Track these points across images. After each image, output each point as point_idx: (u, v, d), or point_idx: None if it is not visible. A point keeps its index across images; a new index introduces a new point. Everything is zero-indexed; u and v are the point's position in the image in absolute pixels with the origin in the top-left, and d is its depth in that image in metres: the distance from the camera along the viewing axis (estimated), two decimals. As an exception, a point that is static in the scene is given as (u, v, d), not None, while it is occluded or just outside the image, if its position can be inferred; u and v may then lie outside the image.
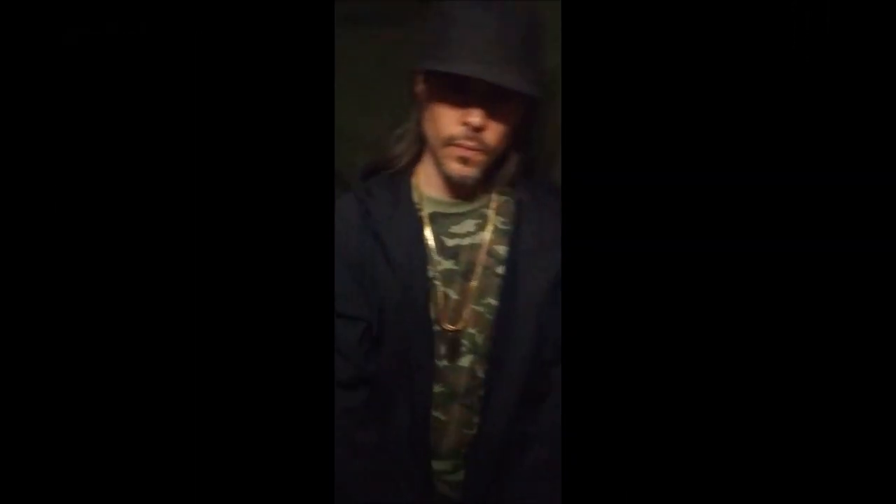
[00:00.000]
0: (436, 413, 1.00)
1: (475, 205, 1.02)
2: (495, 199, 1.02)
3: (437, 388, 0.99)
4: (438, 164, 0.99)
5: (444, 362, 0.99)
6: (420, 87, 0.98)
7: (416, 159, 1.04)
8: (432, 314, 0.98)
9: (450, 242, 1.00)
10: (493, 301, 0.99)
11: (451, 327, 0.99)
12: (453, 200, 1.02)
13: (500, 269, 1.00)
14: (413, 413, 0.98)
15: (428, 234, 1.00)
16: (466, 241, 1.01)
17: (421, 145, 1.02)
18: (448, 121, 0.94)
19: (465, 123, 0.92)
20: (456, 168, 0.96)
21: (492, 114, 0.93)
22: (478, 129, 0.93)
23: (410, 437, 0.99)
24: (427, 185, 1.03)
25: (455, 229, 1.01)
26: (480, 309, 0.99)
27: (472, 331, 0.99)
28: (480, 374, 0.99)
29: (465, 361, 1.00)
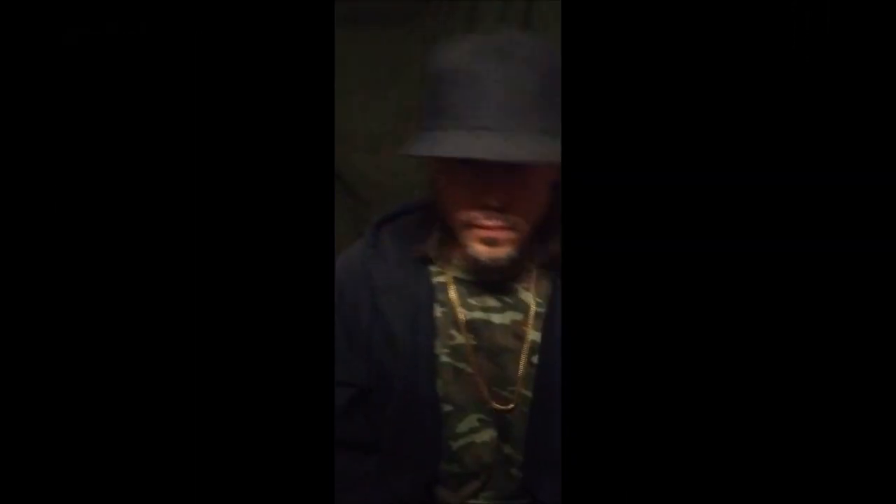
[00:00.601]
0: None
1: (507, 278, 0.88)
2: (534, 274, 0.88)
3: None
4: (464, 246, 0.83)
5: (487, 315, 0.87)
6: (431, 172, 0.85)
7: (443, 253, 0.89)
8: (442, 393, 0.87)
9: (469, 315, 0.88)
10: (526, 392, 0.87)
11: (500, 407, 0.87)
12: (478, 274, 0.88)
13: (535, 359, 0.87)
14: (413, 485, 0.89)
15: (441, 302, 0.88)
16: (492, 318, 0.88)
17: (444, 232, 0.88)
18: (463, 204, 0.80)
19: (483, 204, 0.79)
20: (482, 250, 0.81)
21: (514, 188, 0.79)
22: (499, 210, 0.79)
23: None
24: (449, 250, 0.88)
25: (476, 301, 0.88)
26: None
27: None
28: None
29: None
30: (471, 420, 0.89)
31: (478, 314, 0.88)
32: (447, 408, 0.87)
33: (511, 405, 0.87)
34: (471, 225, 0.81)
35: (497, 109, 0.74)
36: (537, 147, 0.74)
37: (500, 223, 0.79)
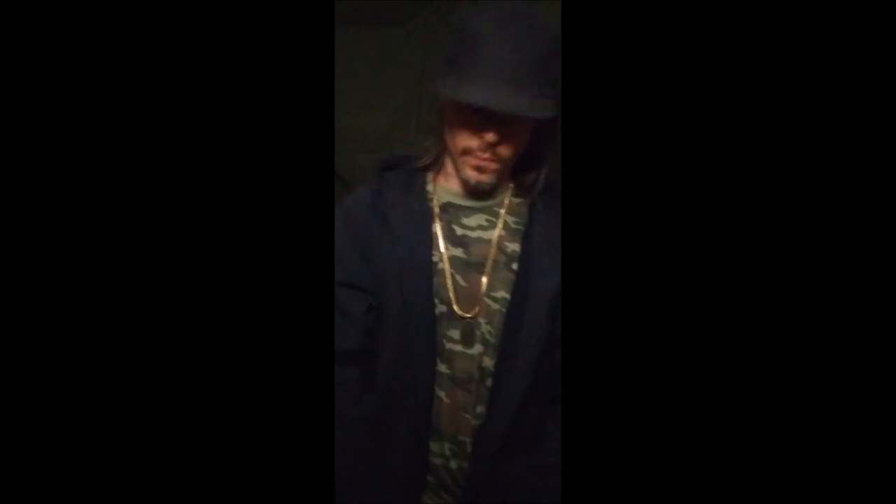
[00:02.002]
0: (438, 392, 1.02)
1: (488, 202, 1.07)
2: (508, 200, 1.08)
3: (441, 369, 1.03)
4: (456, 169, 1.05)
5: (458, 347, 1.02)
6: (444, 105, 1.04)
7: (436, 161, 1.10)
8: (438, 297, 1.03)
9: (459, 232, 1.05)
10: (505, 295, 1.03)
11: (466, 314, 1.02)
12: (467, 196, 1.07)
13: (514, 266, 1.04)
14: (416, 392, 1.02)
15: (437, 221, 1.06)
16: (476, 234, 1.06)
17: (441, 150, 1.09)
18: (466, 135, 1.00)
19: (481, 139, 0.99)
20: (472, 174, 1.03)
21: (507, 131, 0.99)
22: (493, 145, 0.99)
23: (410, 416, 1.02)
24: (444, 180, 1.09)
25: (466, 221, 1.06)
26: (491, 302, 1.02)
27: (482, 321, 1.02)
28: (489, 364, 1.02)
29: (475, 350, 1.02)
30: (465, 326, 1.04)
31: (466, 231, 1.06)
32: (441, 308, 1.03)
33: (476, 310, 1.03)
34: (467, 153, 1.01)
35: (504, 68, 0.94)
36: (538, 102, 0.95)
37: (490, 155, 1.00)
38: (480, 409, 1.02)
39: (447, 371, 1.02)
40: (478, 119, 0.97)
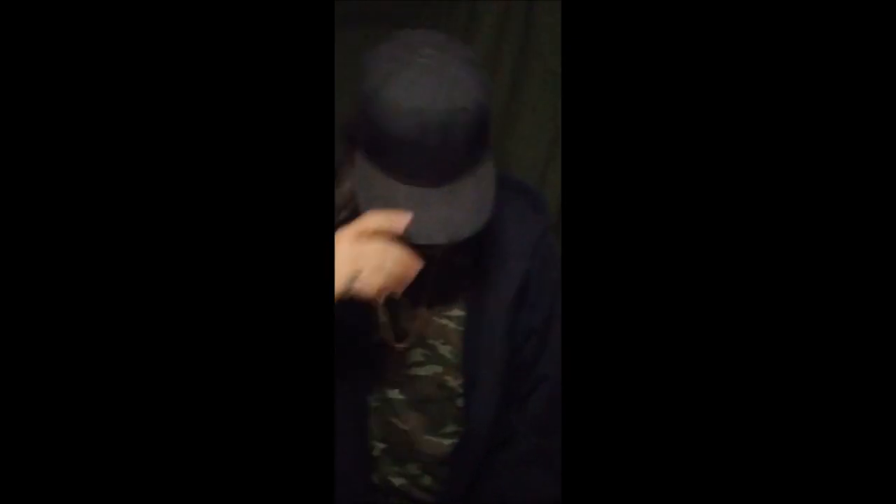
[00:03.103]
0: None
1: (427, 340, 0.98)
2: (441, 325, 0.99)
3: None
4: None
5: (410, 370, 0.98)
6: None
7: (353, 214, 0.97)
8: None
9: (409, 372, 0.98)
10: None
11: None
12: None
13: (459, 401, 0.98)
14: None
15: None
16: (423, 372, 0.98)
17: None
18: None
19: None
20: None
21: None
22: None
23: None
24: None
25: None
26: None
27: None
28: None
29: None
30: (408, 468, 1.01)
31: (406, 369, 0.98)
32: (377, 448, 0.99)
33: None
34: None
35: (436, 167, 0.82)
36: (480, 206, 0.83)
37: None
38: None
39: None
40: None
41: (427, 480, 1.02)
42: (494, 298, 0.96)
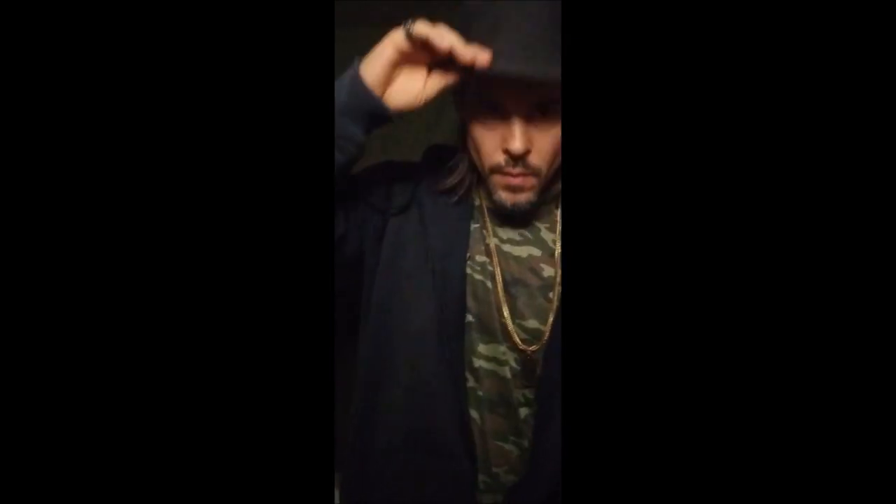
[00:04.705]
0: (472, 412, 0.95)
1: (529, 218, 0.96)
2: (556, 214, 0.95)
3: (476, 389, 0.95)
4: (491, 194, 0.93)
5: (512, 376, 0.94)
6: (462, 112, 0.93)
7: (472, 186, 0.98)
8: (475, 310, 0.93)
9: (493, 242, 0.95)
10: (539, 325, 0.93)
11: (529, 349, 0.92)
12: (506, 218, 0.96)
13: (550, 294, 0.93)
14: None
15: (476, 228, 0.95)
16: (512, 250, 0.95)
17: (475, 174, 0.96)
18: (489, 149, 0.88)
19: (507, 151, 0.86)
20: (507, 197, 0.90)
21: (534, 133, 0.87)
22: (521, 156, 0.86)
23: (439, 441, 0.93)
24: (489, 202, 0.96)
25: (500, 231, 0.96)
26: (520, 331, 0.95)
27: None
28: (528, 395, 0.94)
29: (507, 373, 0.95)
30: (494, 349, 0.94)
31: (500, 243, 0.95)
32: (469, 318, 0.93)
33: (533, 346, 0.93)
34: (496, 171, 0.89)
35: (522, 38, 0.82)
36: (557, 69, 0.81)
37: (522, 170, 0.87)
38: (512, 437, 0.93)
39: (485, 395, 0.93)
40: (500, 119, 0.85)
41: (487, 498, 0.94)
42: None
